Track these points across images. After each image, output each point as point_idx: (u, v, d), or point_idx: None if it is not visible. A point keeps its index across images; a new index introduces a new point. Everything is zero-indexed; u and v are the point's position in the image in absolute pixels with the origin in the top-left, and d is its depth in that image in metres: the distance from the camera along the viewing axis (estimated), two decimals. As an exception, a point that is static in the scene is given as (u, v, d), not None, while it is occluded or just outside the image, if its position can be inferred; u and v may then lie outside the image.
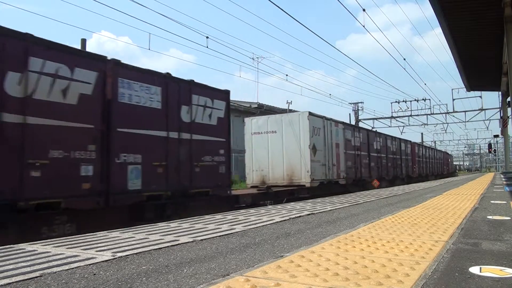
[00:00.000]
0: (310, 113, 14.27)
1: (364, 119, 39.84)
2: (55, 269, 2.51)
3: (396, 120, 38.16)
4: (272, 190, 13.23)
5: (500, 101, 24.63)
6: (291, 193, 13.75)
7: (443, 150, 59.71)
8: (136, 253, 3.00)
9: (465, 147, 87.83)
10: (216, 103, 10.49)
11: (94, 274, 2.41)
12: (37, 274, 2.41)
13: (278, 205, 7.42)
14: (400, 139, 27.44)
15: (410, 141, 30.05)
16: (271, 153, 14.42)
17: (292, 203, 7.64)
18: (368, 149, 20.25)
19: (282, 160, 14.20)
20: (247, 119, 15.39)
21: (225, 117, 10.77)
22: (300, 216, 5.29)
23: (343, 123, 17.41)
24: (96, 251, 3.11)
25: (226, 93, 10.97)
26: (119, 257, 2.87)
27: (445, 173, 45.38)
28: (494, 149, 54.15)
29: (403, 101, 37.50)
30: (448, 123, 38.42)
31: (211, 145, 10.17)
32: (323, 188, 14.61)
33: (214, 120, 10.36)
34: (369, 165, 20.15)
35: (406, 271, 2.27)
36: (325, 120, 15.47)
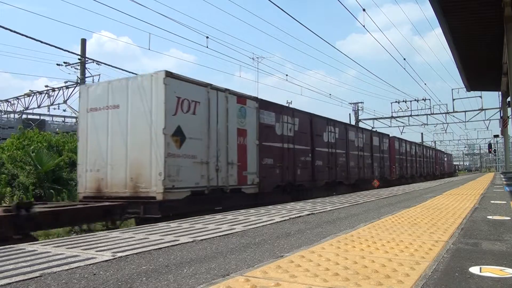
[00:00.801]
0: (171, 74, 8.38)
1: (364, 119, 39.92)
2: (55, 269, 2.52)
3: (396, 120, 38.24)
4: (33, 211, 6.29)
5: (500, 101, 24.65)
6: (107, 212, 7.71)
7: (443, 150, 59.61)
8: (136, 253, 3.00)
9: (465, 147, 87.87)
10: None
11: (94, 274, 2.41)
12: (37, 274, 2.41)
13: (278, 205, 7.38)
14: (371, 131, 22.10)
15: (388, 135, 24.17)
16: (111, 142, 8.81)
17: (292, 203, 7.62)
18: (312, 142, 14.33)
19: (126, 155, 8.54)
20: (82, 87, 10.00)
21: None
22: (300, 216, 5.29)
23: (256, 99, 11.40)
24: (96, 251, 3.11)
25: None
26: (119, 257, 2.87)
27: (437, 174, 38.70)
28: (494, 149, 54.21)
29: (403, 101, 37.56)
30: (448, 123, 38.44)
31: None
32: (201, 201, 8.87)
33: None
34: (312, 165, 14.13)
35: (406, 271, 2.27)
36: (211, 90, 9.45)
